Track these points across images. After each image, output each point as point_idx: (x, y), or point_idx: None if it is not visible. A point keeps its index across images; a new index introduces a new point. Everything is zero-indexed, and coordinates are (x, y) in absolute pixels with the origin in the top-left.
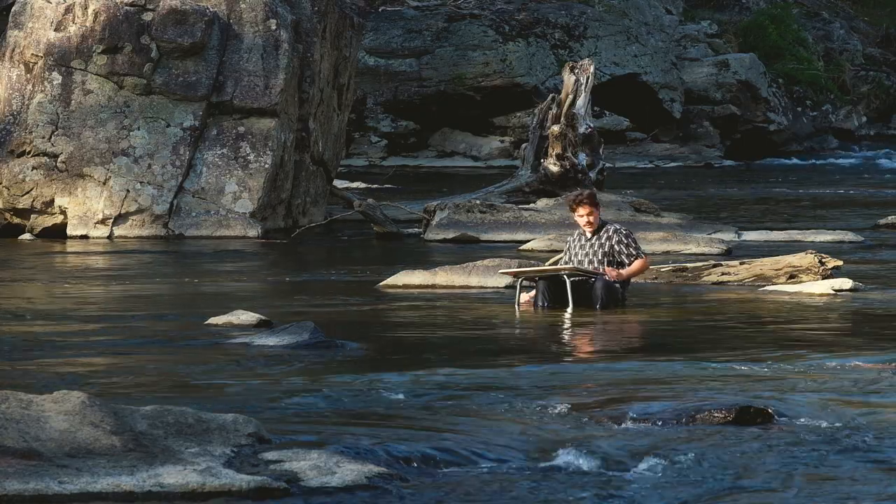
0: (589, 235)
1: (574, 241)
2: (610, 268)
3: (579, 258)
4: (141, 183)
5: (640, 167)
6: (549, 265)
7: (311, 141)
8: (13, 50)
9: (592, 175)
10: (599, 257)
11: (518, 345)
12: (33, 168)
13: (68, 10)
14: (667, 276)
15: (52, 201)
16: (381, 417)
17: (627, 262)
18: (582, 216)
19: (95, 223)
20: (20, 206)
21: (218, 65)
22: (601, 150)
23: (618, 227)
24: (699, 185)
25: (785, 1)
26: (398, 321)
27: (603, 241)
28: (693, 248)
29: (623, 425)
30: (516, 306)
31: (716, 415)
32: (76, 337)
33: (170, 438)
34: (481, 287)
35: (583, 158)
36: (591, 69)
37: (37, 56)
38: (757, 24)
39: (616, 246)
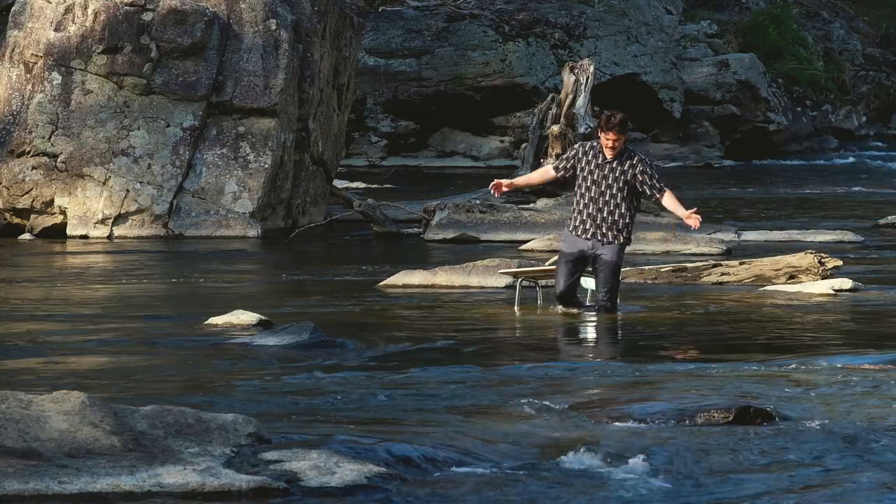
0: (609, 157)
1: (587, 156)
2: (693, 218)
3: (595, 178)
4: (141, 183)
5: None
6: (550, 265)
7: (310, 141)
8: (13, 50)
9: None
10: (620, 184)
11: (518, 345)
12: (33, 168)
13: (68, 10)
14: (667, 276)
15: (52, 201)
16: (382, 417)
17: (649, 192)
18: (608, 140)
19: (95, 223)
20: (20, 206)
21: (218, 65)
22: None
23: (642, 156)
24: (699, 185)
25: (785, 1)
26: (398, 321)
27: (626, 167)
28: (693, 248)
29: (623, 425)
30: (516, 306)
31: (716, 415)
32: (76, 337)
33: (170, 438)
34: (481, 287)
35: None
36: (591, 69)
37: (37, 56)
38: (757, 24)
39: (639, 176)
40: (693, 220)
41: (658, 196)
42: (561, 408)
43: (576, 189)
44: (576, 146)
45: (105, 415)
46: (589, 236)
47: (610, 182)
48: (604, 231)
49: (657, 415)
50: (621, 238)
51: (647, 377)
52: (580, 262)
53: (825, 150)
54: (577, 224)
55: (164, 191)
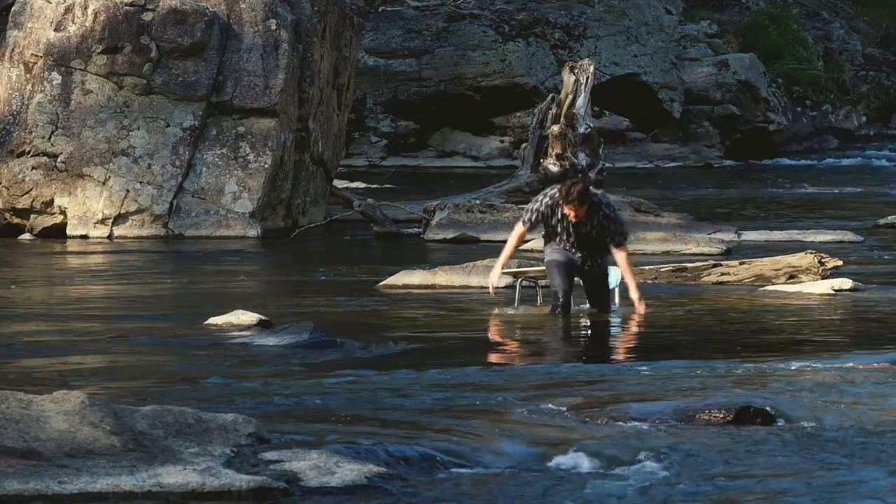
0: (574, 220)
1: (556, 215)
2: (641, 306)
3: (569, 231)
4: (141, 183)
5: (640, 167)
6: None
7: (310, 141)
8: (13, 50)
9: (592, 175)
10: (593, 235)
11: (518, 345)
12: (33, 168)
13: (68, 10)
14: (667, 276)
15: (52, 201)
16: (381, 417)
17: (608, 240)
18: (569, 211)
19: (95, 223)
20: (20, 206)
21: (218, 65)
22: (601, 150)
23: (606, 211)
24: (699, 185)
25: (785, 1)
26: (398, 321)
27: (594, 223)
28: (693, 248)
29: (623, 425)
30: (516, 306)
31: (716, 415)
32: (76, 337)
33: (170, 438)
34: (481, 287)
35: (582, 158)
36: (591, 69)
37: (36, 56)
38: (757, 24)
39: (605, 231)
40: (641, 307)
41: (615, 247)
42: (560, 408)
43: (551, 232)
44: (536, 205)
45: (105, 415)
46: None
47: (583, 234)
48: (589, 264)
49: (657, 415)
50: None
51: (647, 377)
52: (573, 268)
53: (825, 150)
54: (560, 247)
55: (164, 191)
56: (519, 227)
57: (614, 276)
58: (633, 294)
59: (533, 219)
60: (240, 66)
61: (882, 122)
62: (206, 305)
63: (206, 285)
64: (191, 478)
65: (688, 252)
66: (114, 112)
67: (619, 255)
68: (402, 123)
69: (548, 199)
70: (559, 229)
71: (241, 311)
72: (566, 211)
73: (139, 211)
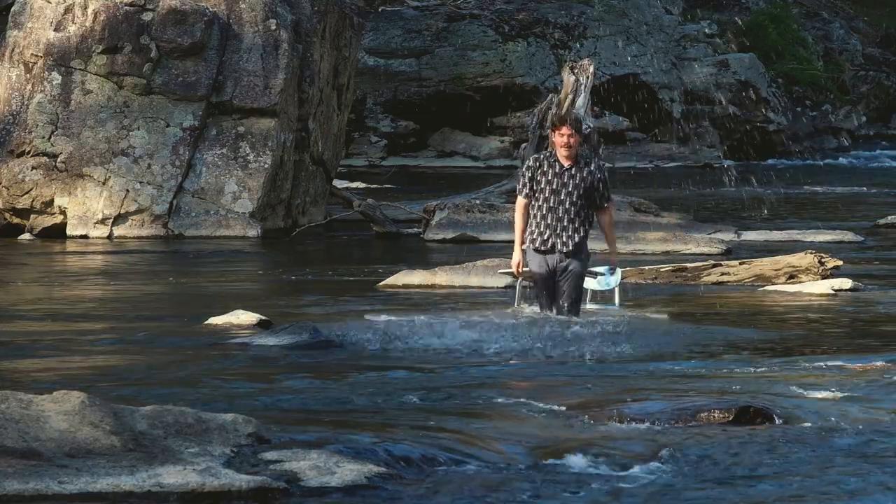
0: (567, 165)
1: (543, 166)
2: (615, 259)
3: (553, 187)
4: (140, 183)
5: (640, 167)
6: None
7: (310, 141)
8: (13, 50)
9: None
10: (580, 191)
11: (517, 345)
12: (33, 168)
13: (68, 10)
14: (667, 276)
15: (52, 201)
16: (381, 417)
17: (598, 201)
18: (563, 135)
19: (95, 223)
20: (20, 206)
21: (218, 65)
22: (601, 150)
23: (599, 162)
24: (699, 185)
25: (785, 1)
26: (397, 321)
27: (585, 174)
28: (693, 248)
29: (623, 425)
30: (515, 306)
31: (716, 415)
32: (76, 337)
33: (169, 438)
34: (481, 287)
35: None
36: (591, 69)
37: (36, 56)
38: (757, 24)
39: (598, 184)
40: (613, 260)
41: (605, 205)
42: (560, 408)
43: (533, 202)
44: (523, 169)
45: (105, 415)
46: (549, 246)
47: (570, 189)
48: (564, 240)
49: (657, 415)
50: (583, 253)
51: (646, 377)
52: (553, 278)
53: (825, 150)
54: (535, 236)
55: (163, 191)
56: (520, 201)
57: (613, 277)
58: (613, 248)
59: (526, 181)
60: (240, 66)
61: (882, 122)
62: (206, 305)
63: (206, 285)
64: (191, 478)
65: (688, 252)
66: (114, 112)
67: (604, 218)
68: (401, 123)
69: (531, 159)
70: (543, 184)
71: (241, 311)
72: (559, 139)
73: (139, 211)
